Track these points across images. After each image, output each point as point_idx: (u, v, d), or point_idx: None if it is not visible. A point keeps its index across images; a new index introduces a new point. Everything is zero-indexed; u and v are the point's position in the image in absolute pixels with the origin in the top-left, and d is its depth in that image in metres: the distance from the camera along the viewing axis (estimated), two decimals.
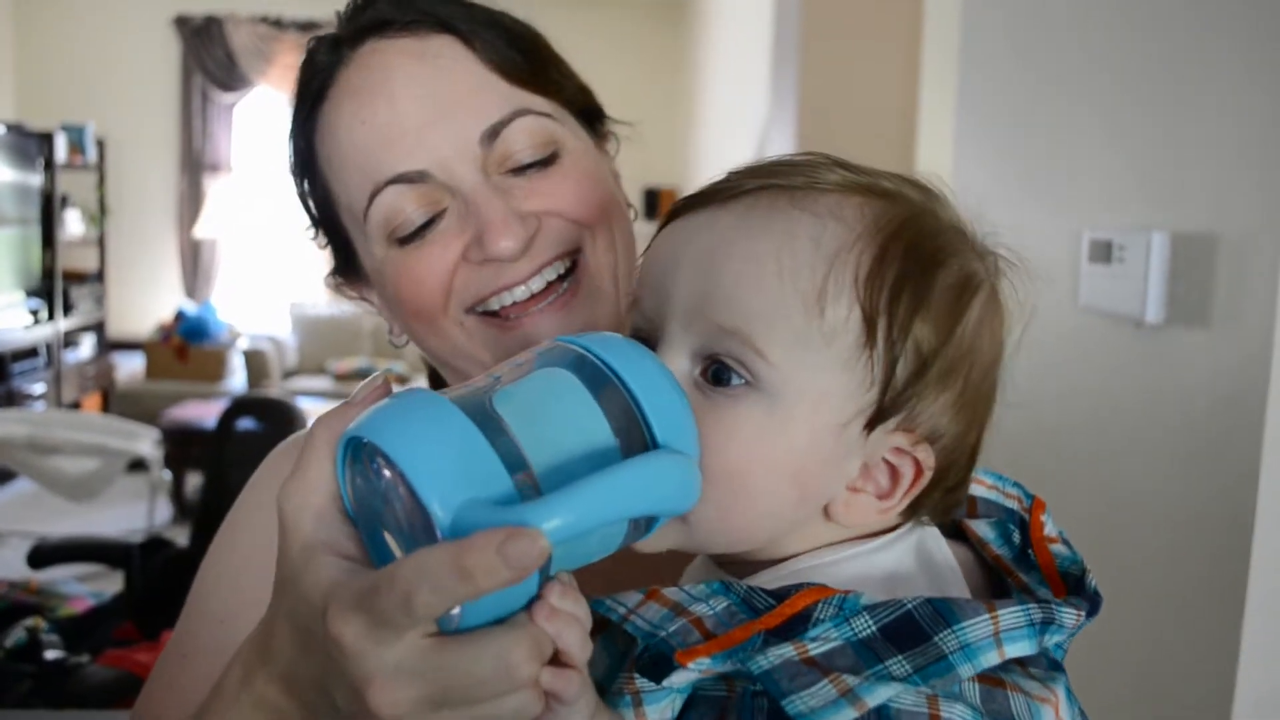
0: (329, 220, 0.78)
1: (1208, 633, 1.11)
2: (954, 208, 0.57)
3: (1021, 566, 0.58)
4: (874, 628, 0.49)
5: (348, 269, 0.81)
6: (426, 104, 0.70)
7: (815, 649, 0.49)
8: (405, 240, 0.72)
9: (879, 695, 0.47)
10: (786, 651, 0.49)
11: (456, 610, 0.44)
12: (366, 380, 0.53)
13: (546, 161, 0.72)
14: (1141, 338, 1.25)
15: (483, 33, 0.72)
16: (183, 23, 7.03)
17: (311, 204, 0.79)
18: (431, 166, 0.70)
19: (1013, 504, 0.61)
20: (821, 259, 0.52)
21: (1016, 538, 0.60)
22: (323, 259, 0.83)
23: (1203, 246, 1.13)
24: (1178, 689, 1.18)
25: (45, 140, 5.91)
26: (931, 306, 0.53)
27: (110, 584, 3.43)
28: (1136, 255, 1.22)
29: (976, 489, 0.61)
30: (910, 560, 0.56)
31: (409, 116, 0.70)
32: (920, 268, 0.53)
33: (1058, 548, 0.58)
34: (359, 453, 0.48)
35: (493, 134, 0.70)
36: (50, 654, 2.68)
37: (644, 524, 0.50)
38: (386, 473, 0.45)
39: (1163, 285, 1.20)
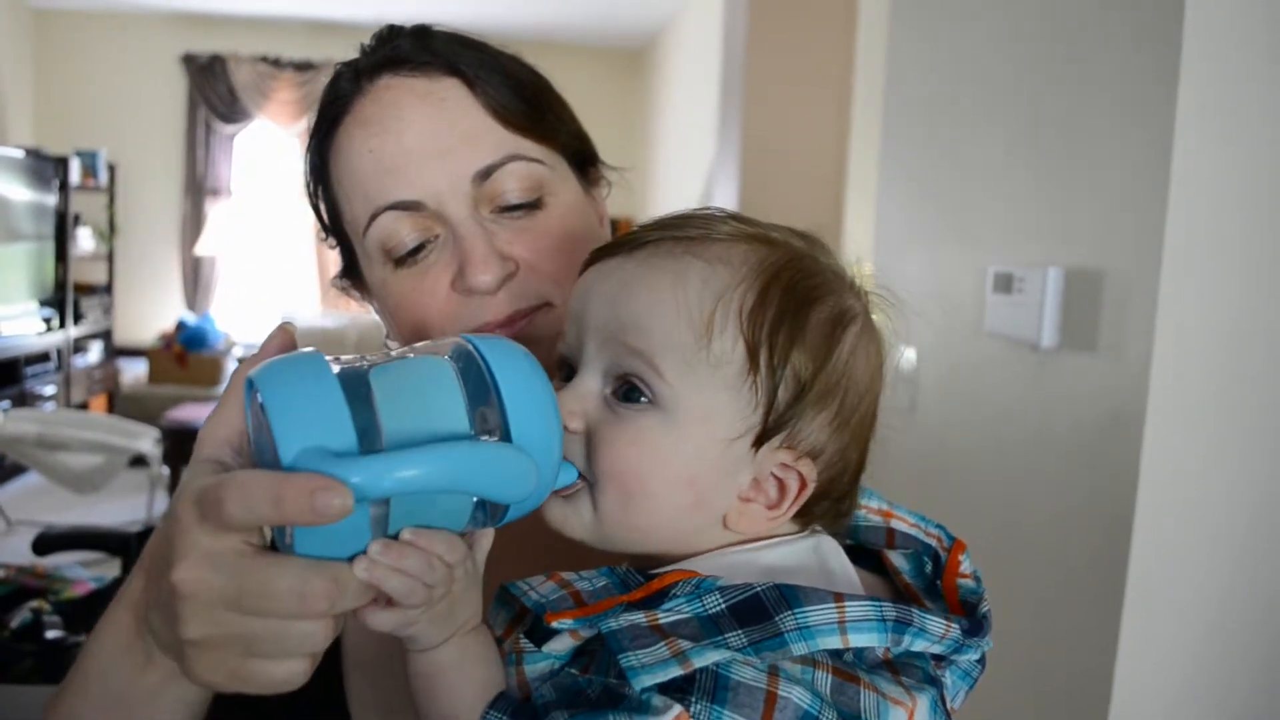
0: (338, 229, 0.77)
1: (1092, 615, 1.13)
2: (834, 255, 0.58)
3: (929, 596, 0.58)
4: (723, 605, 0.49)
5: (353, 274, 0.79)
6: (427, 141, 0.69)
7: (665, 619, 0.49)
8: (400, 262, 0.71)
9: (707, 658, 0.46)
10: (637, 618, 0.48)
11: (289, 538, 0.45)
12: (271, 331, 0.54)
13: (533, 205, 0.71)
14: (1037, 360, 1.27)
15: (488, 78, 0.71)
16: (189, 60, 6.92)
17: (323, 211, 0.78)
18: (426, 197, 0.69)
19: (932, 542, 0.60)
20: (710, 296, 0.53)
21: (929, 569, 0.59)
22: (309, 279, 0.81)
23: (1091, 280, 1.15)
24: (1065, 666, 1.19)
25: (60, 164, 5.78)
26: (808, 338, 0.53)
27: (110, 569, 3.35)
28: (1034, 287, 1.24)
29: (898, 525, 0.61)
30: (800, 559, 0.55)
31: (411, 151, 0.69)
32: (797, 304, 0.53)
33: (965, 582, 0.58)
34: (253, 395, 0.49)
35: (485, 174, 0.69)
36: (51, 634, 2.62)
37: (492, 511, 0.49)
38: (265, 415, 0.45)
39: (1056, 314, 1.21)
